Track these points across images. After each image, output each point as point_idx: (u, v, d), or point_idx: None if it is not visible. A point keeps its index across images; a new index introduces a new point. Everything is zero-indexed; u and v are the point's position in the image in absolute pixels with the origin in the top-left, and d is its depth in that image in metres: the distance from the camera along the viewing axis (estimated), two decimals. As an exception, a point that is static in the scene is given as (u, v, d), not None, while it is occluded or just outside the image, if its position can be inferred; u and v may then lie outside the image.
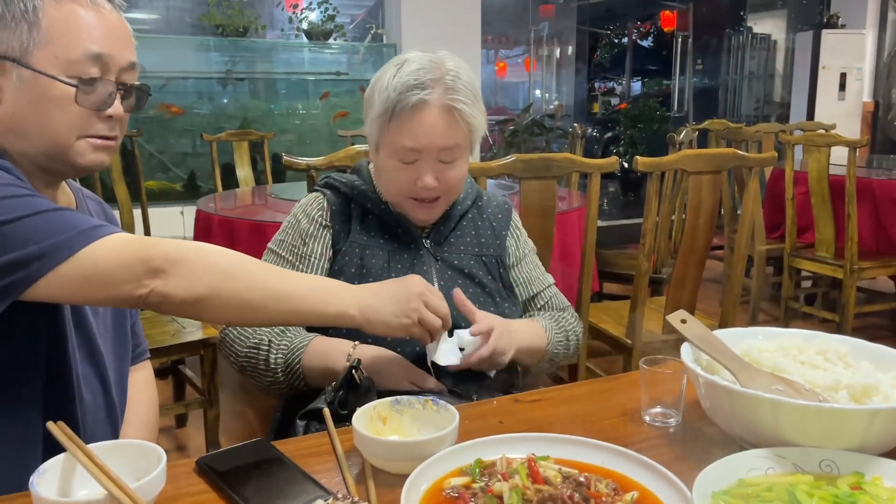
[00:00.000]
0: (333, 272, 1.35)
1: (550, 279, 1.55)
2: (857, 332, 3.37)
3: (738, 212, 4.11)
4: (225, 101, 5.15)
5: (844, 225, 3.28)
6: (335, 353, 1.22)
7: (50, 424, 0.82)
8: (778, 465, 0.80)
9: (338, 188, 1.41)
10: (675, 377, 0.99)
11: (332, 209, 1.39)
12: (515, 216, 1.54)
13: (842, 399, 0.89)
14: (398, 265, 1.35)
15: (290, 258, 1.37)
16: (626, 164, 5.79)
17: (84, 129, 0.98)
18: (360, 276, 1.33)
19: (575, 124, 4.44)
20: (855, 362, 0.98)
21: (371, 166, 1.44)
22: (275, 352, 1.26)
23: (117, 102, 1.01)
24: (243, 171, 4.04)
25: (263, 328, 1.28)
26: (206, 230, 2.68)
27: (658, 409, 1.00)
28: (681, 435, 0.97)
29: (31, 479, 0.74)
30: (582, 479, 0.77)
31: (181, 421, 2.78)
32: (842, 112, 5.84)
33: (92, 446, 0.80)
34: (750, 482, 0.78)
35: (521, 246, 1.52)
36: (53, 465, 0.78)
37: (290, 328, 1.30)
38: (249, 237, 2.44)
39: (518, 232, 1.53)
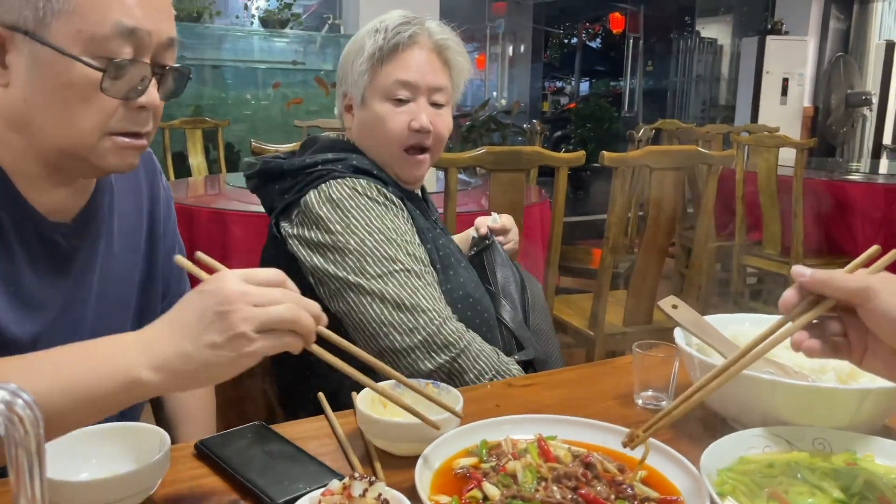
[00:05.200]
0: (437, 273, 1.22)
1: None
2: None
3: (689, 210, 4.24)
4: (175, 88, 5.02)
5: (791, 223, 3.41)
6: None
7: None
8: (774, 443, 0.83)
9: (370, 172, 1.24)
10: (667, 360, 1.01)
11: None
12: None
13: (829, 381, 0.92)
14: (455, 251, 1.30)
15: (427, 269, 1.18)
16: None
17: (109, 125, 0.82)
18: (448, 266, 1.24)
19: (534, 121, 4.48)
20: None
21: (353, 139, 1.32)
22: None
23: (152, 89, 0.84)
24: (196, 160, 3.95)
25: None
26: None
27: (650, 393, 1.02)
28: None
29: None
30: (592, 459, 0.78)
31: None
32: (783, 116, 6.06)
33: (86, 430, 0.77)
34: (750, 459, 0.81)
35: None
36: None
37: None
38: (210, 225, 2.38)
39: None
